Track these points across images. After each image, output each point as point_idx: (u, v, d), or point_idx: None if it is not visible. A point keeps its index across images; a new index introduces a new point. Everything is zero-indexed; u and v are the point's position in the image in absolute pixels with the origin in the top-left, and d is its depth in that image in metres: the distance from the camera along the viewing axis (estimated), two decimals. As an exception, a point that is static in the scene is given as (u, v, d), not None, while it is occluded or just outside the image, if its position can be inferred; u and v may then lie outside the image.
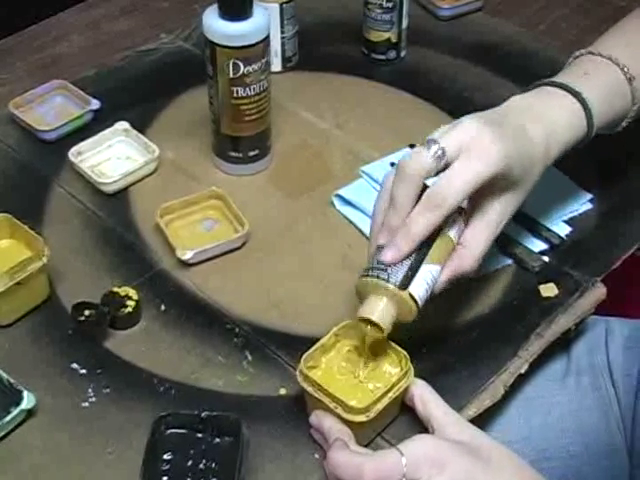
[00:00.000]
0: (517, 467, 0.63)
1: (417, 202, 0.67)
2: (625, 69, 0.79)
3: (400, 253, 0.66)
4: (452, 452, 0.61)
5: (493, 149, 0.67)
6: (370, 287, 0.67)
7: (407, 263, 0.67)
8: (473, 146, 0.67)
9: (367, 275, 0.67)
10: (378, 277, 0.67)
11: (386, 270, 0.67)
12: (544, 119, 0.73)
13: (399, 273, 0.67)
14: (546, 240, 0.84)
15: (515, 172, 0.69)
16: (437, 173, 0.67)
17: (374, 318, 0.66)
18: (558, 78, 0.78)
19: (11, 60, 1.07)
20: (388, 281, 0.66)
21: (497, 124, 0.69)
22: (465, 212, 0.71)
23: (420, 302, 0.67)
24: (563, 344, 0.83)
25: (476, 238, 0.70)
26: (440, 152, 0.66)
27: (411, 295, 0.67)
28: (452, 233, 0.70)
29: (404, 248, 0.66)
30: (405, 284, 0.67)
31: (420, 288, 0.67)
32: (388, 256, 0.67)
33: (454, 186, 0.66)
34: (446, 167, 0.67)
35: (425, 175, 0.67)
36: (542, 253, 0.84)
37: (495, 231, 0.70)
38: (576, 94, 0.76)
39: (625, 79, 0.79)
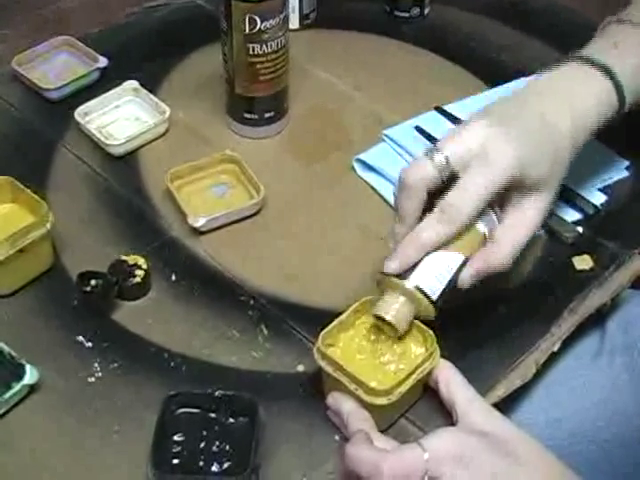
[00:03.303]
0: (546, 462, 0.60)
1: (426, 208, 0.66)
2: None
3: (406, 263, 0.65)
4: (477, 447, 0.58)
5: (504, 154, 0.64)
6: (387, 284, 0.65)
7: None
8: (483, 153, 0.64)
9: (385, 272, 0.65)
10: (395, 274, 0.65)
11: None
12: (570, 102, 0.70)
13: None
14: (580, 209, 0.82)
15: (537, 171, 0.66)
16: (445, 181, 0.65)
17: (388, 318, 0.64)
18: (585, 51, 0.74)
19: (12, 16, 1.06)
20: (405, 278, 0.64)
21: (511, 120, 0.66)
22: (495, 205, 0.68)
23: (431, 292, 0.65)
24: (596, 320, 0.80)
25: (507, 235, 0.67)
26: (444, 162, 0.64)
27: (418, 288, 0.64)
28: (479, 225, 0.67)
29: (410, 258, 0.65)
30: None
31: (429, 277, 0.65)
32: (394, 266, 0.65)
33: (467, 199, 0.64)
34: (453, 175, 0.65)
35: (428, 185, 0.65)
36: (576, 223, 0.81)
37: (528, 230, 0.68)
38: (606, 69, 0.72)
39: None
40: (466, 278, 0.66)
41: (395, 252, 0.65)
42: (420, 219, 0.66)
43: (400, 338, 0.66)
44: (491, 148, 0.64)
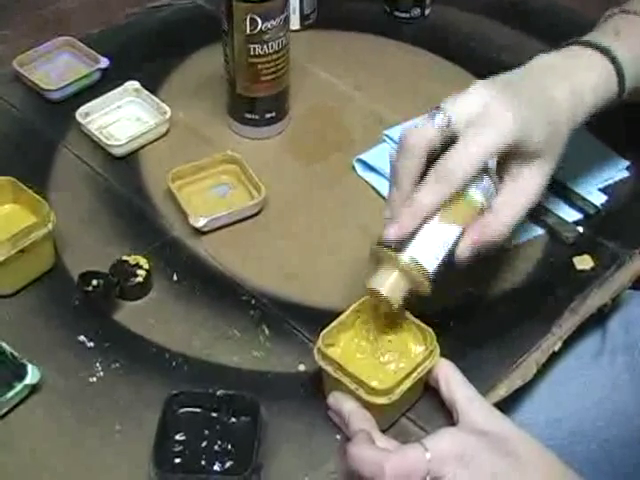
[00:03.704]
0: (546, 462, 0.60)
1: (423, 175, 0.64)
2: None
3: (403, 230, 0.63)
4: (477, 446, 0.58)
5: (506, 117, 0.64)
6: (382, 256, 0.64)
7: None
8: (484, 115, 0.64)
9: (380, 243, 0.64)
10: (390, 247, 0.63)
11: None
12: (570, 78, 0.70)
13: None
14: (580, 209, 0.81)
15: (536, 138, 0.65)
16: (444, 144, 0.64)
17: (383, 292, 0.63)
18: (588, 36, 0.74)
19: (12, 16, 1.05)
20: (400, 251, 0.63)
21: (513, 88, 0.66)
22: (493, 174, 0.67)
23: (427, 264, 0.63)
24: (597, 320, 0.79)
25: (505, 204, 0.66)
26: (445, 122, 0.63)
27: (414, 261, 0.63)
28: (475, 193, 0.65)
29: (408, 224, 0.63)
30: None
31: (425, 249, 0.63)
32: (391, 233, 0.63)
33: (463, 159, 0.63)
34: (453, 138, 0.64)
35: (429, 147, 0.64)
36: (576, 223, 0.81)
37: (526, 200, 0.67)
38: (606, 52, 0.72)
39: None
40: (463, 250, 0.64)
41: (392, 220, 0.63)
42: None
43: (397, 332, 0.66)
44: (491, 112, 0.64)
